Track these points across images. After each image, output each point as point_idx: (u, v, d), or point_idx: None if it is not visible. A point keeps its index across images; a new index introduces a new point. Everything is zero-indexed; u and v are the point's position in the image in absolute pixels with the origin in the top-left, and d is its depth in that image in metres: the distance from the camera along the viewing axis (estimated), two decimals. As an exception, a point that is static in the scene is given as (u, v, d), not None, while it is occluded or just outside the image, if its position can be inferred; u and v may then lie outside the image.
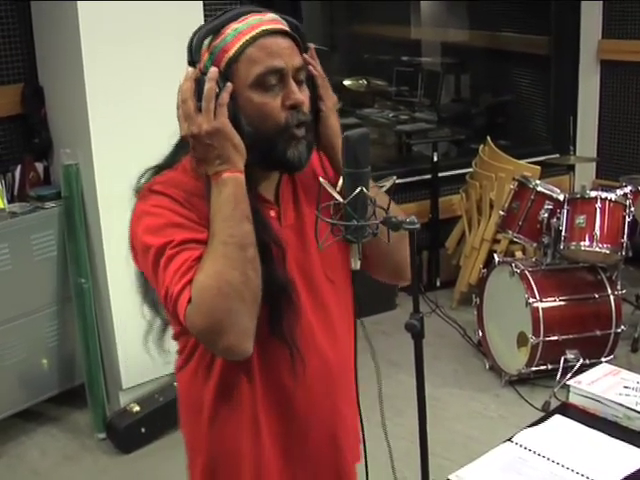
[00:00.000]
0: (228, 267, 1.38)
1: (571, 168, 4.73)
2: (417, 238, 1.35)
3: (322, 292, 1.61)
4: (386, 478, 1.73)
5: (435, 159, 5.19)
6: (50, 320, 3.72)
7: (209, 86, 1.42)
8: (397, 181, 1.42)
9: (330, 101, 1.60)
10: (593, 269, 4.06)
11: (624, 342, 4.22)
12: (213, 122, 1.41)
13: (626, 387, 1.84)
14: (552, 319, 3.87)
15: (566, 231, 3.93)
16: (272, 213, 1.58)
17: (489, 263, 4.34)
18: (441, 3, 7.05)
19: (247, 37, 1.45)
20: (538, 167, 4.81)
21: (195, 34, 1.48)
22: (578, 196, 3.99)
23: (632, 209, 3.94)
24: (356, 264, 1.38)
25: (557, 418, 1.77)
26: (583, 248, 3.90)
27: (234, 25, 1.47)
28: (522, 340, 3.96)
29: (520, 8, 6.14)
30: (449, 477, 1.54)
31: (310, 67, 1.56)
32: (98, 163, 3.47)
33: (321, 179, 1.36)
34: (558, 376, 3.84)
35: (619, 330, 3.97)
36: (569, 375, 3.68)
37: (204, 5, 3.71)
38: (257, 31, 1.46)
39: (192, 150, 1.46)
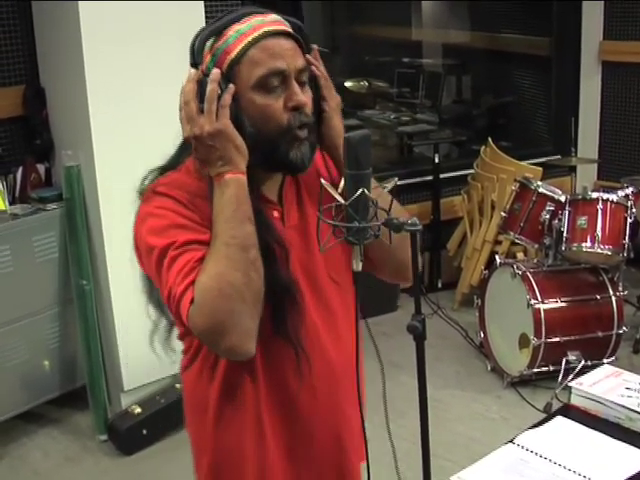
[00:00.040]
0: (230, 268, 1.39)
1: (572, 169, 4.73)
2: (419, 239, 1.35)
3: (326, 293, 1.61)
4: (388, 479, 1.73)
5: (436, 160, 5.19)
6: (52, 322, 3.72)
7: (211, 88, 1.42)
8: (398, 182, 1.42)
9: (333, 101, 1.59)
10: (595, 270, 4.06)
11: (626, 343, 4.22)
12: (215, 124, 1.42)
13: (628, 388, 1.84)
14: (554, 320, 3.86)
15: (568, 232, 3.93)
16: (275, 214, 1.58)
17: (491, 264, 4.33)
18: (442, 4, 7.05)
19: (249, 39, 1.45)
20: (539, 168, 4.81)
21: (197, 36, 1.48)
22: (580, 197, 3.99)
23: (634, 210, 3.94)
24: (358, 266, 1.38)
25: (559, 419, 1.77)
26: (585, 249, 3.90)
27: (236, 26, 1.47)
28: (524, 341, 3.96)
29: (521, 9, 6.14)
30: (451, 478, 1.54)
31: (313, 68, 1.56)
32: (99, 164, 3.47)
33: (322, 181, 1.36)
34: (560, 377, 3.84)
35: (621, 331, 3.97)
36: (571, 376, 3.68)
37: (205, 5, 3.72)
38: (259, 32, 1.46)
39: (194, 151, 1.47)
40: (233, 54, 1.46)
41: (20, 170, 3.79)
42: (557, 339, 3.86)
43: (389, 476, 1.69)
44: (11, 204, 3.64)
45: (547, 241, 4.05)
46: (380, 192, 1.41)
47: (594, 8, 5.47)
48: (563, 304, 3.93)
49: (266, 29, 1.46)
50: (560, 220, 3.98)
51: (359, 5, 6.88)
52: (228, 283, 1.38)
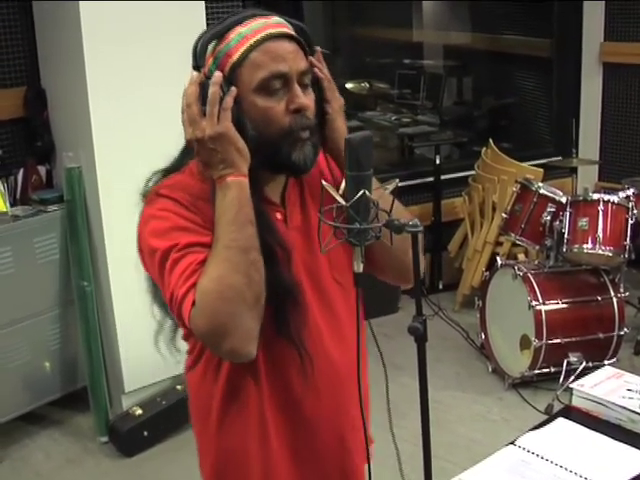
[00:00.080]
0: (231, 271, 1.39)
1: (574, 171, 4.73)
2: (421, 241, 1.35)
3: (330, 294, 1.62)
4: (389, 479, 1.73)
5: (437, 162, 5.19)
6: (53, 323, 3.72)
7: (213, 90, 1.42)
8: (399, 184, 1.42)
9: (336, 103, 1.59)
10: (596, 272, 4.06)
11: (627, 345, 4.22)
12: (216, 127, 1.42)
13: (629, 390, 1.84)
14: (555, 322, 3.86)
15: (569, 234, 3.93)
16: (278, 215, 1.58)
17: (492, 266, 4.33)
18: (443, 5, 7.04)
19: (251, 41, 1.45)
20: (541, 170, 4.81)
21: (200, 38, 1.48)
22: (581, 199, 3.99)
23: (635, 211, 3.94)
24: (359, 267, 1.38)
25: (560, 421, 1.77)
26: (586, 251, 3.90)
27: (238, 29, 1.47)
28: (525, 343, 3.96)
29: (522, 10, 6.14)
30: (452, 480, 1.54)
31: (316, 70, 1.56)
32: (100, 166, 3.47)
33: (323, 182, 1.36)
34: (561, 379, 3.84)
35: (622, 333, 3.97)
36: (572, 378, 3.68)
37: (206, 5, 3.72)
38: (261, 35, 1.46)
39: (197, 154, 1.47)
40: (235, 57, 1.46)
41: (21, 172, 3.79)
42: (558, 340, 3.86)
43: (392, 478, 1.70)
44: (12, 206, 3.64)
45: (548, 242, 4.05)
46: (381, 193, 1.41)
47: (595, 9, 5.47)
48: (564, 305, 3.93)
49: (268, 32, 1.46)
50: (561, 221, 3.98)
51: (360, 6, 6.88)
52: (229, 286, 1.38)
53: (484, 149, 5.07)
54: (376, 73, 6.71)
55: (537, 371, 3.92)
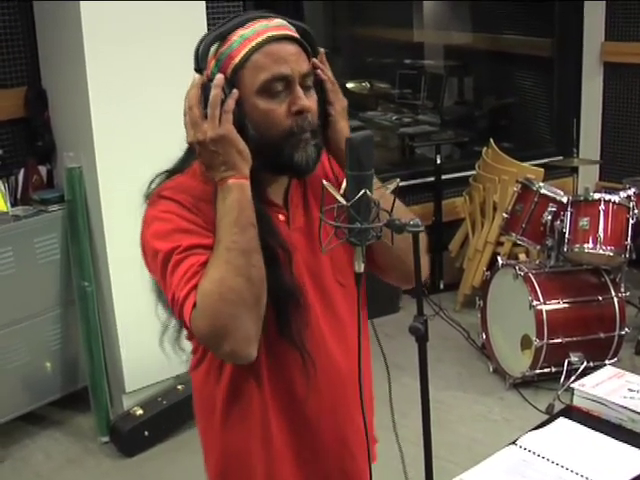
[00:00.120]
0: (231, 273, 1.39)
1: (574, 170, 4.73)
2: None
3: (332, 295, 1.62)
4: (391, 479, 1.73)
5: (438, 162, 5.19)
6: (53, 323, 3.72)
7: (214, 93, 1.42)
8: (400, 184, 1.42)
9: (339, 105, 1.59)
10: (597, 271, 4.06)
11: (628, 344, 4.21)
12: (218, 129, 1.42)
13: (630, 390, 1.84)
14: (556, 322, 3.86)
15: (570, 233, 3.93)
16: (281, 217, 1.58)
17: (493, 266, 4.33)
18: (444, 5, 7.05)
19: (253, 44, 1.45)
20: (541, 169, 4.81)
21: (202, 41, 1.48)
22: (581, 198, 3.99)
23: (636, 211, 3.94)
24: (360, 267, 1.38)
25: (561, 421, 1.77)
26: (587, 250, 3.89)
27: (240, 31, 1.47)
28: (526, 343, 3.96)
29: (523, 10, 6.13)
30: (453, 480, 1.54)
31: (319, 71, 1.56)
32: (101, 166, 3.47)
33: (324, 182, 1.36)
34: (562, 379, 3.84)
35: (623, 332, 3.96)
36: (573, 378, 3.68)
37: (207, 5, 3.72)
38: (263, 37, 1.46)
39: (198, 156, 1.47)
40: (237, 59, 1.46)
41: (22, 172, 3.79)
42: (559, 340, 3.86)
43: (394, 478, 1.69)
44: (13, 206, 3.64)
45: (549, 242, 4.05)
46: (382, 193, 1.40)
47: (596, 9, 5.47)
48: (565, 305, 3.93)
49: (270, 34, 1.46)
50: (562, 221, 3.98)
51: (360, 6, 6.88)
52: (229, 288, 1.39)
53: (485, 149, 5.07)
54: (377, 73, 6.72)
55: (538, 371, 3.92)
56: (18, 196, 3.78)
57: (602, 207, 3.89)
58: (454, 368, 4.30)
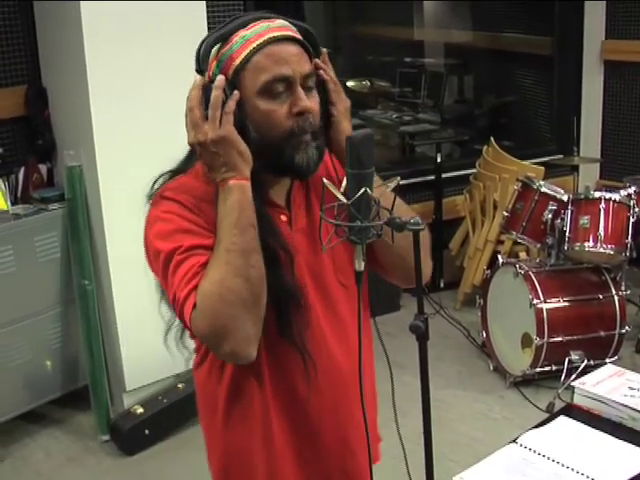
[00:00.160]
0: (230, 274, 1.40)
1: (575, 169, 4.72)
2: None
3: (334, 296, 1.62)
4: (392, 479, 1.73)
5: (438, 160, 5.19)
6: (54, 322, 3.72)
7: (215, 94, 1.42)
8: (401, 182, 1.42)
9: (342, 105, 1.59)
10: (597, 270, 4.05)
11: (628, 343, 4.21)
12: (218, 130, 1.42)
13: (631, 388, 1.84)
14: (556, 320, 3.86)
15: (570, 232, 3.92)
16: (283, 217, 1.58)
17: (493, 264, 4.33)
18: (444, 4, 7.05)
19: (254, 45, 1.45)
20: (542, 168, 4.80)
21: (203, 42, 1.48)
22: (582, 197, 3.99)
23: (636, 209, 3.93)
24: (360, 265, 1.38)
25: (562, 419, 1.77)
26: (587, 249, 3.89)
27: (242, 32, 1.47)
28: (526, 341, 3.96)
29: (523, 9, 6.13)
30: (453, 479, 1.54)
31: (321, 72, 1.55)
32: (101, 164, 3.47)
33: (324, 180, 1.36)
34: (562, 377, 3.84)
35: (623, 331, 3.96)
36: (573, 376, 3.68)
37: (207, 5, 3.72)
38: (264, 38, 1.46)
39: (199, 157, 1.48)
40: (238, 60, 1.46)
41: (22, 170, 3.79)
42: (560, 339, 3.86)
43: (394, 477, 1.69)
44: (13, 204, 3.64)
45: (549, 241, 4.05)
46: (383, 191, 1.40)
47: (596, 7, 5.47)
48: (566, 304, 3.92)
49: (271, 35, 1.46)
50: (562, 219, 3.97)
51: (361, 5, 6.88)
52: (228, 289, 1.39)
53: (485, 147, 5.06)
54: (377, 71, 6.72)
55: (538, 369, 3.92)
56: (18, 195, 3.77)
57: (602, 205, 3.89)
58: (454, 366, 4.30)
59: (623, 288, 4.01)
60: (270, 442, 1.62)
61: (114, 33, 3.38)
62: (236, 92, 1.44)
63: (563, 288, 3.95)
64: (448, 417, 3.77)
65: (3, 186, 3.60)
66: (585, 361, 3.85)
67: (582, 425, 1.73)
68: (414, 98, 6.37)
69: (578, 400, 1.85)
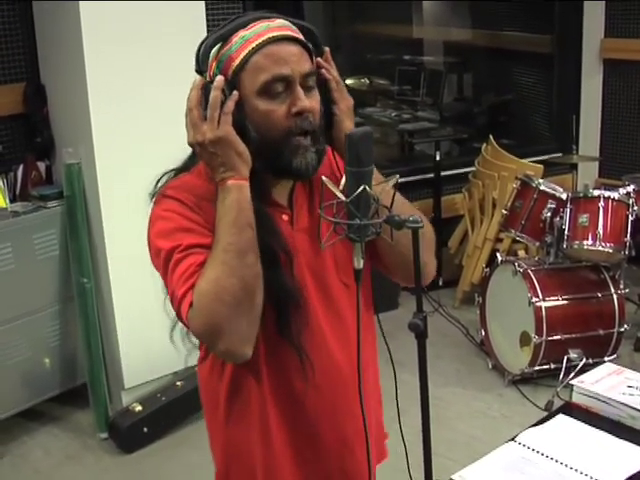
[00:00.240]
0: (226, 274, 1.40)
1: (574, 167, 4.72)
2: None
3: (336, 296, 1.62)
4: (393, 478, 1.73)
5: (437, 158, 5.18)
6: (52, 319, 3.72)
7: (214, 94, 1.43)
8: (400, 180, 1.42)
9: (344, 104, 1.59)
10: (596, 268, 4.05)
11: (627, 341, 4.21)
12: (216, 131, 1.43)
13: (630, 386, 1.84)
14: (555, 318, 3.86)
15: (569, 230, 3.92)
16: (285, 217, 1.59)
17: (492, 262, 4.33)
18: (443, 2, 7.04)
19: (253, 45, 1.45)
20: (541, 166, 4.80)
21: (203, 42, 1.49)
22: (581, 195, 3.99)
23: (635, 208, 3.93)
24: (359, 263, 1.38)
25: (560, 418, 1.77)
26: (586, 247, 3.89)
27: (242, 33, 1.47)
28: (525, 339, 3.96)
29: (523, 7, 6.13)
30: (452, 477, 1.53)
31: (323, 71, 1.55)
32: (100, 162, 3.47)
33: (323, 178, 1.36)
34: (561, 375, 3.84)
35: (622, 329, 3.96)
36: (572, 374, 3.68)
37: (206, 4, 3.71)
38: (263, 39, 1.46)
39: (198, 157, 1.49)
40: (237, 61, 1.46)
41: (21, 168, 3.79)
42: (558, 337, 3.86)
43: (394, 475, 1.69)
44: (12, 202, 3.64)
45: (548, 239, 4.05)
46: (383, 188, 1.40)
47: (595, 6, 5.46)
48: (564, 302, 3.93)
49: (270, 35, 1.46)
50: (561, 218, 3.98)
51: (360, 4, 6.88)
52: (224, 288, 1.40)
53: (484, 145, 5.06)
54: (376, 69, 6.72)
55: (537, 367, 3.92)
56: (17, 192, 3.77)
57: (601, 204, 3.89)
58: (453, 365, 4.30)
59: (622, 286, 4.02)
60: (268, 440, 1.62)
61: (113, 31, 3.38)
62: (235, 92, 1.45)
63: (562, 286, 3.95)
64: (447, 415, 3.77)
65: (2, 183, 3.60)
66: (584, 359, 3.85)
67: (581, 423, 1.73)
68: (413, 96, 6.38)
69: (577, 398, 1.85)
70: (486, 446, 1.67)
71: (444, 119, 6.20)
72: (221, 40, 1.48)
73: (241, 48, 1.46)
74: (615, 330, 3.95)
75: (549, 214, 4.04)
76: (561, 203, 4.03)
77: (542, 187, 4.14)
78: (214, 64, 1.48)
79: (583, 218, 3.90)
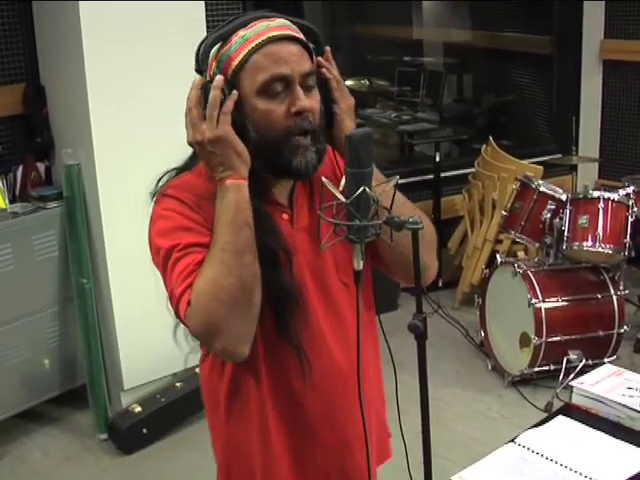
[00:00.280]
0: (224, 273, 1.41)
1: (574, 168, 4.72)
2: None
3: (335, 296, 1.62)
4: (392, 477, 1.73)
5: (437, 159, 5.18)
6: (52, 320, 3.72)
7: (213, 94, 1.43)
8: (399, 181, 1.42)
9: (345, 104, 1.59)
10: (596, 269, 4.05)
11: (627, 342, 4.21)
12: (215, 130, 1.43)
13: (629, 388, 1.83)
14: (555, 319, 3.86)
15: (569, 231, 3.92)
16: (285, 216, 1.59)
17: (491, 263, 4.33)
18: (443, 3, 7.04)
19: (253, 44, 1.45)
20: (540, 167, 4.80)
21: (202, 42, 1.49)
22: (581, 196, 3.99)
23: (635, 209, 3.93)
24: (359, 264, 1.38)
25: (560, 419, 1.77)
26: (586, 248, 3.89)
27: (241, 32, 1.47)
28: (524, 340, 3.95)
29: (522, 8, 6.13)
30: (451, 478, 1.53)
31: (323, 70, 1.55)
32: (100, 163, 3.47)
33: (323, 179, 1.36)
34: (561, 377, 3.84)
35: (622, 330, 3.96)
36: (572, 376, 3.67)
37: (206, 4, 3.71)
38: (263, 38, 1.46)
39: (198, 156, 1.50)
40: (237, 60, 1.46)
41: (20, 168, 3.78)
42: (558, 338, 3.86)
43: (395, 475, 1.69)
44: (11, 202, 3.64)
45: (548, 240, 4.04)
46: (383, 189, 1.40)
47: (595, 7, 5.47)
48: (564, 303, 3.92)
49: (270, 34, 1.46)
50: (561, 219, 3.97)
51: (360, 4, 6.87)
52: (221, 288, 1.40)
53: (484, 146, 5.06)
54: (376, 70, 6.71)
55: (537, 369, 3.92)
56: (16, 193, 3.77)
57: (601, 205, 3.89)
58: (452, 366, 4.30)
59: (622, 288, 4.01)
60: (267, 440, 1.62)
61: (112, 32, 3.38)
62: (234, 92, 1.45)
63: (561, 287, 3.95)
64: (446, 416, 3.77)
65: (1, 184, 3.60)
66: (583, 361, 3.85)
67: (580, 425, 1.73)
68: (413, 97, 6.37)
69: (576, 400, 1.85)
70: (486, 447, 1.67)
71: (444, 120, 6.20)
72: (221, 40, 1.48)
73: (241, 48, 1.46)
74: (615, 331, 3.95)
75: (549, 215, 4.04)
76: (561, 204, 4.03)
77: (542, 188, 4.14)
78: (214, 64, 1.48)
79: (583, 219, 3.90)
